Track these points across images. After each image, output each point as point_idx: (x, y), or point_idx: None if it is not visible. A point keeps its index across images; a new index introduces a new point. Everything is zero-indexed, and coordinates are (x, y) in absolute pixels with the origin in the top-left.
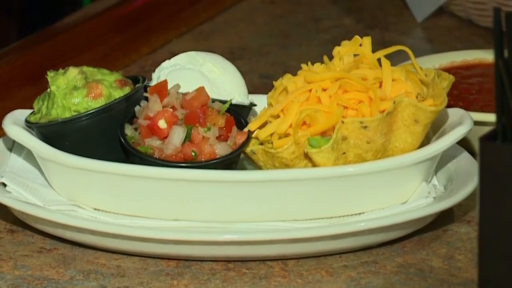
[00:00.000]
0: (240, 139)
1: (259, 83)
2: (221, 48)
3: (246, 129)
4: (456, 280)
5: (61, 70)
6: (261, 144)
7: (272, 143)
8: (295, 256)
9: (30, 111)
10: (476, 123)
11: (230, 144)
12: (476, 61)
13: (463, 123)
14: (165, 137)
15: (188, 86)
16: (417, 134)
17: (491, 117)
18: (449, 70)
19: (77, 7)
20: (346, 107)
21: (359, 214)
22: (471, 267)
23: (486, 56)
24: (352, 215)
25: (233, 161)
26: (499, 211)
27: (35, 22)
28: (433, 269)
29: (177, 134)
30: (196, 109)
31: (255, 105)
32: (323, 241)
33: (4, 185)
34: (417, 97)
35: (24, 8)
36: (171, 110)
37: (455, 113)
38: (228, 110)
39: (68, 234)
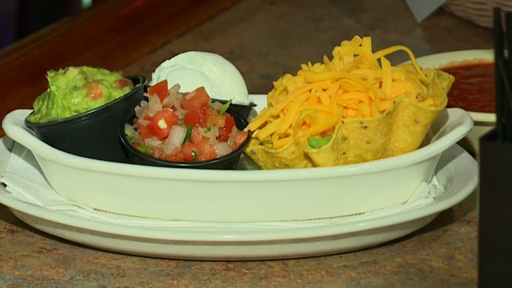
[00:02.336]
0: (240, 139)
1: (259, 83)
2: (221, 48)
3: (246, 129)
4: (456, 280)
5: (61, 70)
6: (261, 144)
7: (272, 143)
8: (295, 256)
9: (30, 111)
10: (476, 123)
11: (230, 144)
12: (476, 61)
13: (463, 123)
14: (165, 137)
15: (188, 86)
16: (417, 134)
17: (491, 117)
18: (449, 70)
19: (77, 7)
20: (346, 107)
21: (359, 214)
22: (471, 267)
23: (486, 56)
24: (352, 215)
25: (233, 161)
26: (499, 211)
27: (35, 22)
28: (433, 269)
29: (177, 134)
30: (196, 109)
31: (255, 105)
32: (323, 241)
33: (4, 185)
34: (417, 97)
35: (23, 8)
36: (171, 110)
37: (455, 113)
38: (228, 110)
39: (68, 234)
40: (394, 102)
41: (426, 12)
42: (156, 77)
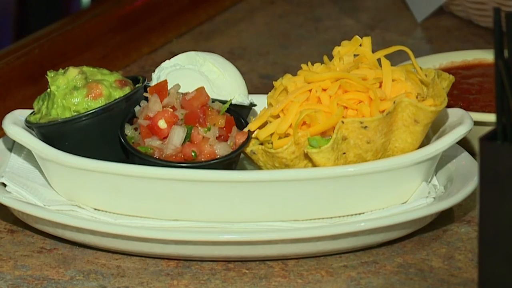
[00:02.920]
0: (240, 139)
1: (259, 83)
2: (221, 48)
3: (246, 129)
4: (456, 280)
5: (61, 70)
6: (261, 144)
7: (272, 143)
8: (295, 256)
9: (30, 111)
10: (476, 123)
11: (230, 144)
12: (476, 61)
13: (463, 123)
14: (165, 137)
15: (188, 86)
16: (417, 134)
17: (491, 117)
18: (449, 70)
19: (77, 7)
20: (346, 107)
21: (359, 214)
22: (471, 267)
23: (486, 56)
24: (352, 215)
25: (233, 161)
26: (499, 211)
27: (35, 22)
28: (433, 269)
29: (177, 134)
30: (196, 109)
31: (255, 105)
32: (323, 241)
33: (4, 185)
34: (417, 97)
35: (23, 8)
36: (171, 110)
37: (455, 113)
38: (228, 110)
39: (68, 234)
40: (394, 102)
41: (426, 12)
42: (156, 77)
